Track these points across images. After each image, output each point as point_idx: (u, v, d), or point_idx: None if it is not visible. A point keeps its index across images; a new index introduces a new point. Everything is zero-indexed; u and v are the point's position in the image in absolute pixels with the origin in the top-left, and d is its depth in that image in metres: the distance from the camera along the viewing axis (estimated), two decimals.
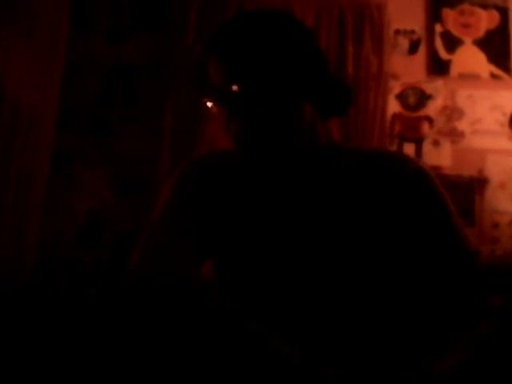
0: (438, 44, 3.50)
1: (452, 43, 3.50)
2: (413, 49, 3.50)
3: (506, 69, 3.43)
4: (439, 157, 3.34)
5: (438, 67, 3.47)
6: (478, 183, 3.28)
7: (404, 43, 3.49)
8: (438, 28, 3.51)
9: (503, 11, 3.50)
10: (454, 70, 3.46)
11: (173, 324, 1.02)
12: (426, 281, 1.15)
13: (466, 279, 1.14)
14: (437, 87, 3.44)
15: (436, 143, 3.37)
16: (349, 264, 1.14)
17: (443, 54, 3.48)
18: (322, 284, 1.13)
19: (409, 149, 3.35)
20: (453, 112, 3.40)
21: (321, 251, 1.14)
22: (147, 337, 1.01)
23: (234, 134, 1.14)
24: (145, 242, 1.12)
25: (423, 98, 3.43)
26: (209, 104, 1.17)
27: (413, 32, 3.51)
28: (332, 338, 1.10)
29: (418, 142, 3.39)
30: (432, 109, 3.42)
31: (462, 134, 3.37)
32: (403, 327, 1.13)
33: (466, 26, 3.51)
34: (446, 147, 3.37)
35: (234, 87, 1.11)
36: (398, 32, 3.49)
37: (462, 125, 3.38)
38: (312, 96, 1.16)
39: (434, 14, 3.52)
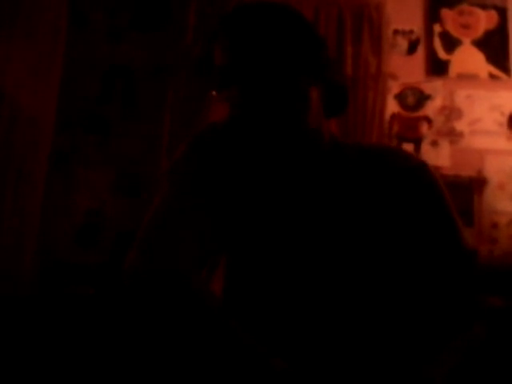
0: (437, 44, 3.50)
1: (451, 43, 3.50)
2: (411, 49, 3.50)
3: (504, 69, 3.43)
4: (438, 157, 3.35)
5: (437, 67, 3.47)
6: (477, 183, 3.29)
7: (403, 43, 3.50)
8: (437, 28, 3.51)
9: (502, 11, 3.51)
10: (453, 70, 3.47)
11: (167, 326, 1.02)
12: (423, 279, 1.15)
13: (463, 278, 1.15)
14: (435, 87, 3.44)
15: (435, 143, 3.38)
16: (347, 259, 1.14)
17: (442, 54, 3.49)
18: (320, 280, 1.13)
19: (407, 149, 3.35)
20: (451, 112, 3.41)
21: (321, 247, 1.14)
22: (143, 337, 1.01)
23: (240, 116, 1.13)
24: (143, 238, 1.10)
25: (422, 98, 3.43)
26: (214, 92, 1.17)
27: (411, 32, 3.51)
28: (329, 335, 1.10)
29: (417, 142, 3.39)
30: (431, 109, 3.43)
31: (460, 134, 3.38)
32: (400, 327, 1.13)
33: (464, 26, 3.51)
34: (445, 147, 3.37)
35: (241, 65, 1.11)
36: (396, 32, 3.49)
37: (461, 125, 3.38)
38: (317, 79, 1.15)
39: (432, 14, 3.53)
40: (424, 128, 3.40)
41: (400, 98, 3.43)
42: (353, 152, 1.23)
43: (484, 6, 3.52)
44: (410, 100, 3.43)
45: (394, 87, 3.42)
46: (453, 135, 3.38)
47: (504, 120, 3.37)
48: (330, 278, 1.13)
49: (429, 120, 3.41)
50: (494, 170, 3.31)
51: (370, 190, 1.18)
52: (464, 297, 1.14)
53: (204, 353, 1.00)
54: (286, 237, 1.15)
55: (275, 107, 1.11)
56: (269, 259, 1.15)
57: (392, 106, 3.41)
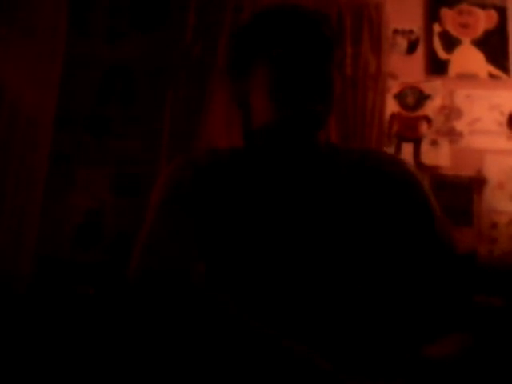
0: (437, 44, 3.50)
1: (450, 43, 3.50)
2: (411, 49, 3.50)
3: (504, 69, 3.43)
4: (437, 157, 3.35)
5: (437, 67, 3.48)
6: (477, 183, 3.29)
7: (402, 43, 3.50)
8: (437, 28, 3.51)
9: (501, 11, 3.51)
10: (453, 69, 3.47)
11: (177, 325, 1.02)
12: (408, 282, 1.15)
13: (447, 282, 1.15)
14: (435, 87, 3.44)
15: (434, 143, 3.38)
16: (338, 263, 1.14)
17: (441, 53, 3.49)
18: (312, 283, 1.13)
19: (407, 148, 3.36)
20: (451, 112, 3.41)
21: (312, 252, 1.14)
22: (150, 338, 1.01)
23: (281, 95, 1.18)
24: (142, 247, 1.11)
25: (421, 97, 3.43)
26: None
27: (411, 32, 3.51)
28: (322, 335, 1.09)
29: (417, 142, 3.39)
30: (430, 108, 3.42)
31: (460, 134, 3.38)
32: (397, 325, 1.13)
33: (464, 25, 3.51)
34: (445, 147, 3.37)
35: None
36: (396, 32, 3.49)
37: (461, 125, 3.38)
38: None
39: (432, 14, 3.53)
40: (423, 128, 3.40)
41: (400, 97, 3.43)
42: (346, 156, 1.25)
43: (483, 6, 3.52)
44: (410, 100, 3.43)
45: (394, 87, 3.42)
46: (452, 135, 3.38)
47: (504, 120, 3.37)
48: (320, 280, 1.13)
49: (428, 120, 3.41)
50: (493, 169, 3.31)
51: (359, 194, 1.19)
52: (446, 296, 1.14)
53: (216, 347, 1.00)
54: (277, 238, 1.15)
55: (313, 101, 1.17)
56: (260, 261, 1.14)
57: (392, 106, 3.41)
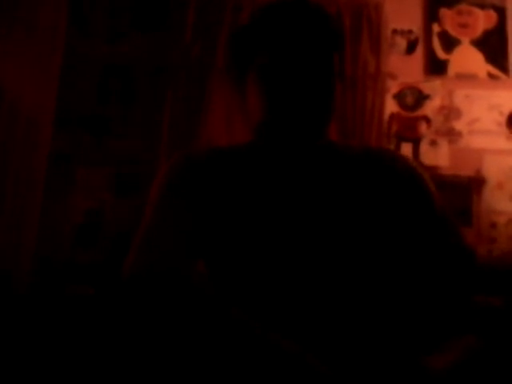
0: (436, 44, 3.50)
1: (449, 43, 3.50)
2: (410, 49, 3.50)
3: (503, 69, 3.44)
4: (437, 157, 3.35)
5: (436, 67, 3.48)
6: (476, 183, 3.29)
7: (401, 43, 3.50)
8: (436, 28, 3.52)
9: (501, 11, 3.51)
10: (452, 69, 3.47)
11: (175, 323, 1.02)
12: (410, 279, 1.16)
13: (448, 280, 1.15)
14: (434, 87, 3.44)
15: (433, 143, 3.38)
16: (341, 261, 1.14)
17: (441, 53, 3.49)
18: (315, 281, 1.13)
19: (406, 149, 3.36)
20: (450, 112, 3.41)
21: (315, 249, 1.14)
22: (148, 336, 1.01)
23: (275, 107, 1.17)
24: (139, 243, 1.11)
25: (421, 97, 3.44)
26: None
27: (410, 32, 3.51)
28: (327, 334, 1.10)
29: (416, 142, 3.39)
30: (429, 109, 3.43)
31: (459, 134, 3.38)
32: (398, 324, 1.13)
33: (463, 25, 3.52)
34: (444, 147, 3.37)
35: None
36: (395, 32, 3.49)
37: (460, 125, 3.39)
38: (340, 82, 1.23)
39: (431, 14, 3.53)
40: (423, 128, 3.41)
41: (399, 97, 3.43)
42: (346, 152, 1.25)
43: (483, 6, 3.52)
44: (409, 100, 3.44)
45: (393, 87, 3.42)
46: (451, 135, 3.38)
47: (503, 120, 3.37)
48: (322, 278, 1.13)
49: (428, 120, 3.41)
50: (492, 169, 3.31)
51: (362, 190, 1.19)
52: (458, 297, 1.14)
53: (213, 345, 1.00)
54: (279, 235, 1.15)
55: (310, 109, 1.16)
56: (261, 261, 1.14)
57: (391, 106, 3.41)
